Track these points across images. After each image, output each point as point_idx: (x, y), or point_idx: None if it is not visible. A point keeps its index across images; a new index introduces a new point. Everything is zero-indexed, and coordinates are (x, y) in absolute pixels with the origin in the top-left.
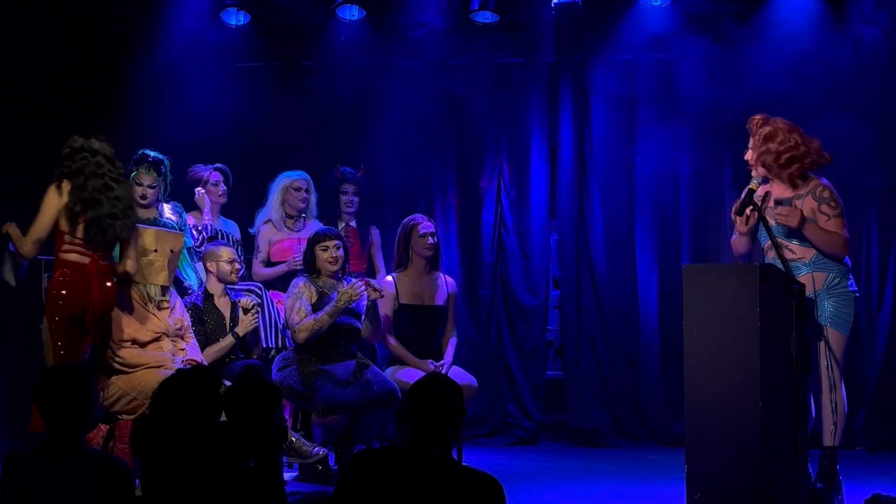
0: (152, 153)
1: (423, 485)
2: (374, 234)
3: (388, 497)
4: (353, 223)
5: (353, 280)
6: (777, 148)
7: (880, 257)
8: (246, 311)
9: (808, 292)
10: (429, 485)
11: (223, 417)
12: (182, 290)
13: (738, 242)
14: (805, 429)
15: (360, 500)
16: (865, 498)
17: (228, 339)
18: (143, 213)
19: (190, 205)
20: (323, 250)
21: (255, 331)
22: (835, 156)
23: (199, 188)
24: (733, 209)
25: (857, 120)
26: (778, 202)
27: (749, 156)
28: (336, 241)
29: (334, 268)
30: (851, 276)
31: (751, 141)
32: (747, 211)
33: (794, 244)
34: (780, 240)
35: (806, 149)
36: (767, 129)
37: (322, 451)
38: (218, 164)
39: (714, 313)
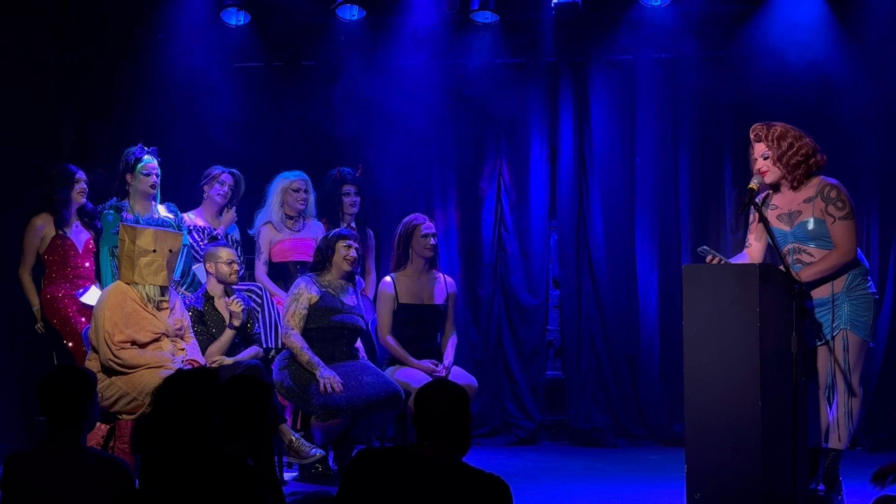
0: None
1: (428, 485)
2: (369, 237)
3: (392, 497)
4: (353, 224)
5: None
6: (793, 143)
7: (880, 257)
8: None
9: (827, 294)
10: (434, 485)
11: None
12: None
13: (753, 252)
14: (805, 428)
15: (364, 499)
16: (865, 498)
17: (228, 334)
18: (141, 211)
19: (190, 204)
20: (346, 247)
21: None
22: (835, 155)
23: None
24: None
25: (857, 119)
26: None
27: (760, 163)
28: (357, 245)
29: (349, 268)
30: (870, 278)
31: (760, 147)
32: (753, 216)
33: (811, 247)
34: (796, 244)
35: (812, 147)
36: (777, 129)
37: (321, 451)
38: (233, 170)
39: (714, 313)
